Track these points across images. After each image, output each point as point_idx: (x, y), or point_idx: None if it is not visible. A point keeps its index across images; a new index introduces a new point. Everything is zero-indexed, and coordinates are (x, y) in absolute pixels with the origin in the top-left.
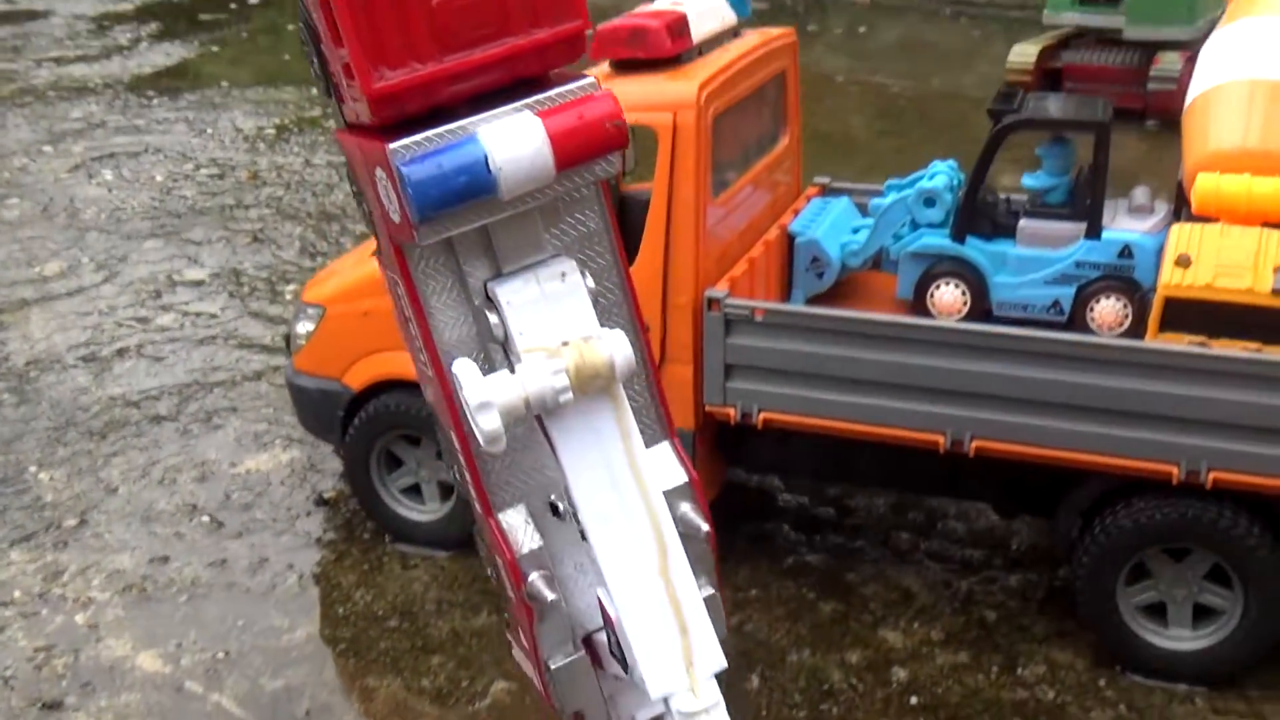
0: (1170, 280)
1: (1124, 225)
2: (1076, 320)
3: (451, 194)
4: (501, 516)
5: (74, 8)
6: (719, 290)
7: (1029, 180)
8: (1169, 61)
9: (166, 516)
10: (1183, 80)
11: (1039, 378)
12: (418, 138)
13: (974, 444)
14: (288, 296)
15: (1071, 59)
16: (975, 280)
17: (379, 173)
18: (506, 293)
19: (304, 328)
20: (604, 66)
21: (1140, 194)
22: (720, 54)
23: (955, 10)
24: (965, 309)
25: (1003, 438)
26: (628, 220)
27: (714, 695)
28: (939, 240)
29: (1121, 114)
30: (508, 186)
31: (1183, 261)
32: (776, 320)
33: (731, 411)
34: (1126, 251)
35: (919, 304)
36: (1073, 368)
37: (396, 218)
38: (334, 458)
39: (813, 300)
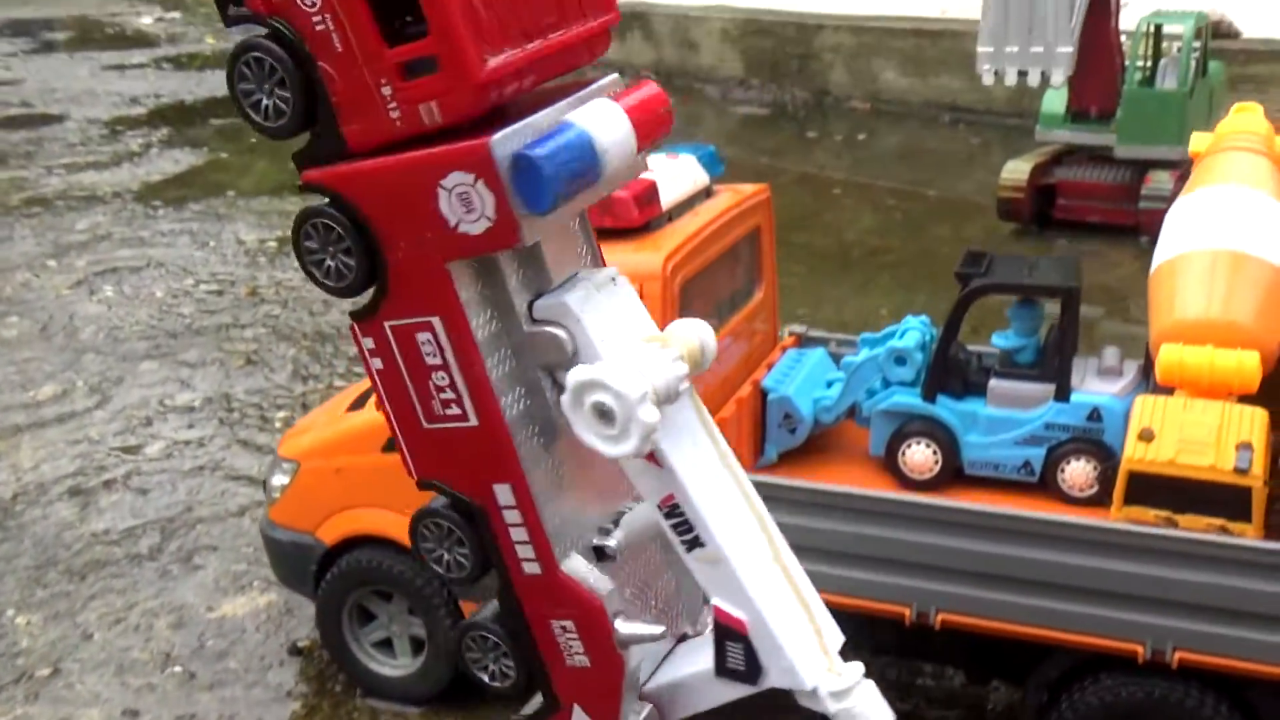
0: (1133, 455)
1: (1093, 387)
2: (1048, 481)
3: (572, 179)
4: (566, 565)
5: (88, 111)
6: None
7: (998, 340)
8: (1160, 180)
9: (140, 666)
10: (1173, 199)
11: (1002, 553)
12: (518, 126)
13: (939, 617)
14: (277, 424)
15: (1065, 175)
16: (946, 440)
17: (453, 178)
18: (574, 302)
19: (279, 481)
20: None
21: (1110, 355)
22: (690, 219)
23: (954, 117)
24: (936, 468)
25: (968, 612)
26: None
27: (855, 670)
28: (910, 399)
29: (1115, 230)
30: (608, 169)
31: (1145, 436)
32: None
33: None
34: (1095, 415)
35: (891, 462)
36: (1036, 544)
37: (485, 224)
38: (310, 603)
39: (786, 455)
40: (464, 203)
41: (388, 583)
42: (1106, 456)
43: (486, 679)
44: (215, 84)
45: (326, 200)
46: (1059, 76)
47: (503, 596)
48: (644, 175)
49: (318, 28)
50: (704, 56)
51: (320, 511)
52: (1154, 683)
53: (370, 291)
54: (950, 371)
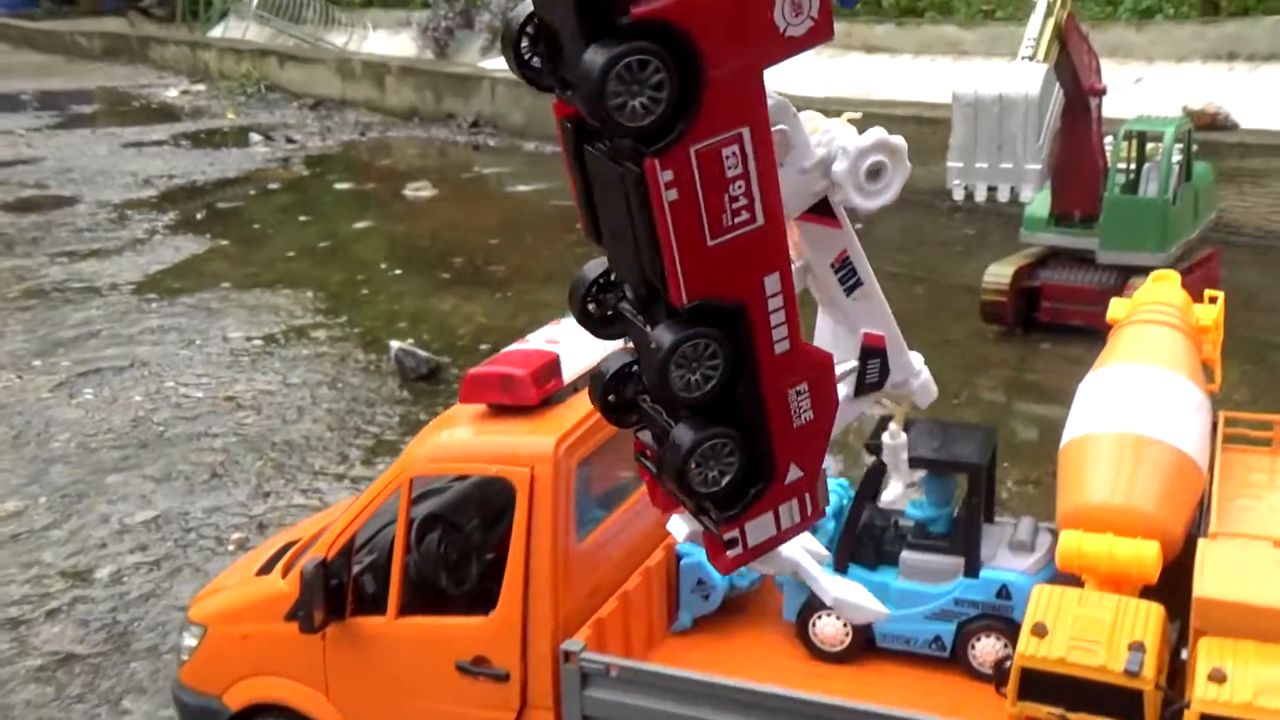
0: (1026, 650)
1: (1004, 563)
2: (959, 657)
3: None
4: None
5: (101, 193)
6: (575, 642)
7: (912, 510)
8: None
9: None
10: None
11: None
12: None
13: None
14: (230, 547)
15: (1049, 278)
16: None
17: None
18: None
19: (189, 642)
20: (481, 406)
21: (1024, 528)
22: None
23: (953, 205)
24: (847, 640)
25: None
26: None
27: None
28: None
29: (1098, 334)
30: None
31: (1039, 630)
32: (631, 677)
33: None
34: (1004, 592)
35: (802, 632)
36: None
37: (809, 24)
38: None
39: (700, 622)
40: (795, 8)
41: None
42: (1016, 634)
43: (705, 489)
44: (227, 163)
45: (643, 40)
46: (1027, 193)
47: (742, 393)
48: (549, 346)
49: None
50: None
51: (227, 676)
52: None
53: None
54: (865, 539)
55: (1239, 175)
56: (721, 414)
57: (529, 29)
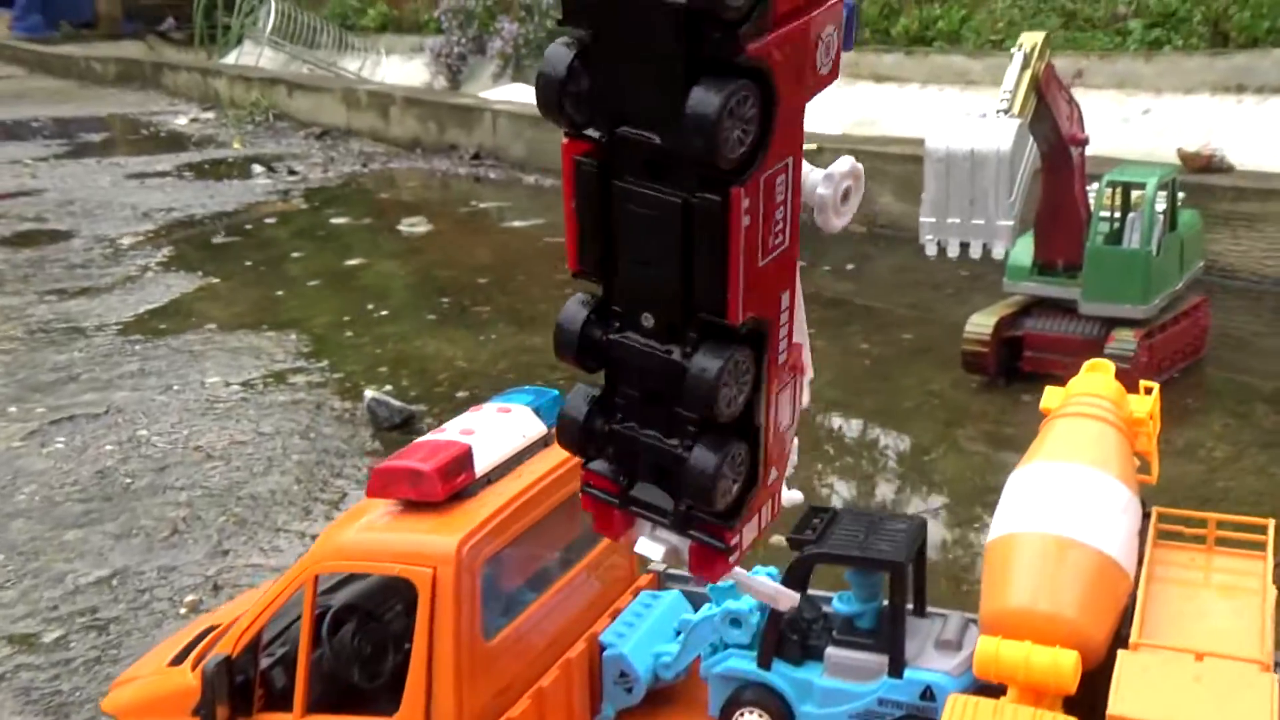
0: None
1: (929, 662)
2: None
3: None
4: None
5: (99, 227)
6: None
7: (838, 604)
8: (1123, 339)
9: None
10: (1138, 359)
11: None
12: None
13: None
14: (183, 610)
15: (1032, 327)
16: (780, 710)
17: (827, 30)
18: None
19: None
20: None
21: (952, 625)
22: (511, 481)
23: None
24: None
25: None
26: None
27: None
28: (744, 664)
29: None
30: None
31: None
32: None
33: None
34: (928, 693)
35: None
36: None
37: (829, 65)
38: None
39: (623, 715)
40: (826, 49)
41: None
42: None
43: (725, 502)
44: (227, 196)
45: (744, 78)
46: (999, 250)
47: (750, 409)
48: (463, 437)
49: None
50: None
51: None
52: None
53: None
54: (790, 634)
55: (1233, 219)
56: (730, 428)
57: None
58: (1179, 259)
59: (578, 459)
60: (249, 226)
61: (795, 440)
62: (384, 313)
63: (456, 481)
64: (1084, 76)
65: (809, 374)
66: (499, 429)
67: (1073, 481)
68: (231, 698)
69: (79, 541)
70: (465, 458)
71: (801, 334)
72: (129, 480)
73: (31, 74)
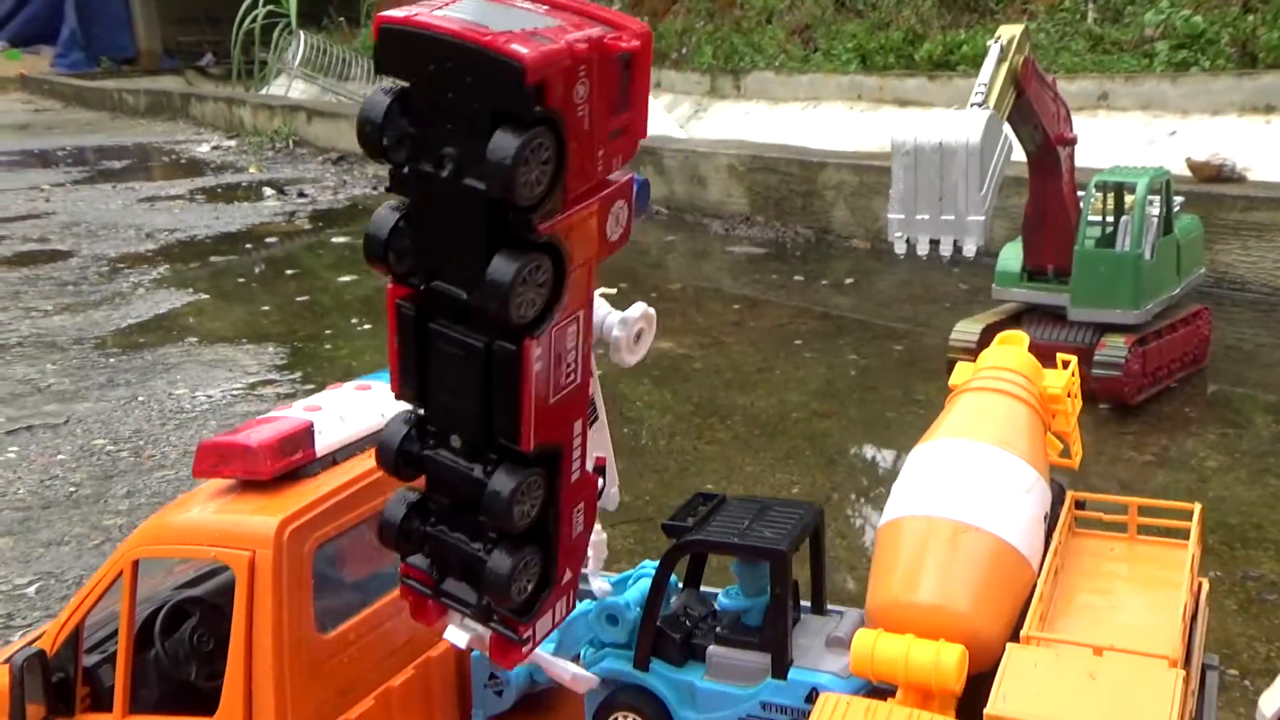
0: None
1: (818, 662)
2: None
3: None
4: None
5: (100, 248)
6: None
7: (724, 600)
8: (1114, 346)
9: None
10: (1129, 366)
11: None
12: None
13: None
14: None
15: None
16: (658, 715)
17: (618, 204)
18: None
19: None
20: (224, 481)
21: (848, 622)
22: (361, 462)
23: (954, 257)
24: None
25: None
26: None
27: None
28: (621, 665)
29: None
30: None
31: None
32: None
33: None
34: (813, 696)
35: None
36: None
37: (620, 231)
38: None
39: None
40: (616, 220)
41: None
42: None
43: (519, 600)
44: (233, 217)
45: (541, 253)
46: (970, 247)
47: (549, 516)
48: (307, 414)
49: (579, 115)
50: (711, 192)
51: None
52: None
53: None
54: (669, 633)
55: (1243, 229)
56: (524, 536)
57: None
58: (1175, 264)
59: None
60: (249, 246)
61: (604, 536)
62: (366, 326)
63: (291, 459)
64: (1109, 99)
65: (614, 484)
66: (353, 407)
67: (971, 461)
68: (48, 696)
69: (6, 549)
70: (302, 434)
71: (605, 448)
72: (73, 489)
73: (67, 107)
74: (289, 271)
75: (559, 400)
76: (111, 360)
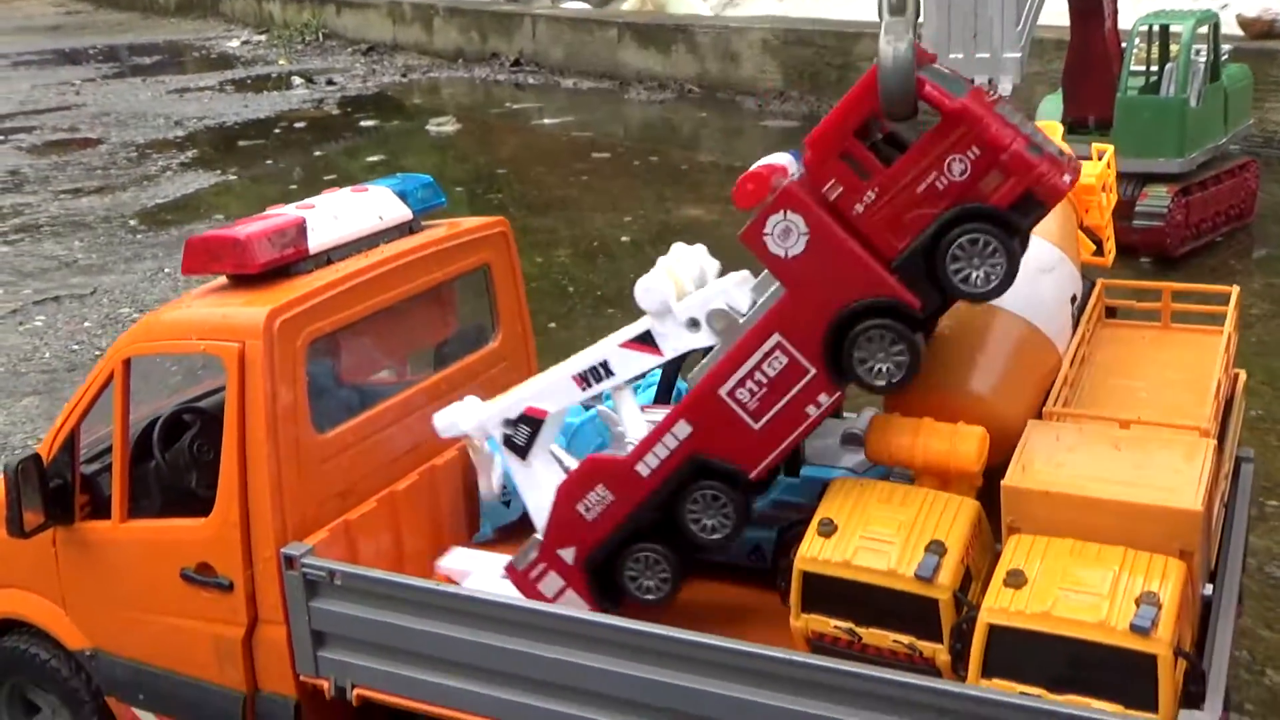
0: (808, 551)
1: (832, 460)
2: (781, 568)
3: None
4: None
5: (129, 135)
6: (299, 546)
7: None
8: (1156, 196)
9: None
10: (1172, 217)
11: (649, 678)
12: None
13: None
14: None
15: None
16: None
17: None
18: None
19: None
20: (219, 279)
21: (863, 419)
22: (354, 261)
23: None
24: None
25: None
26: None
27: None
28: None
29: (1117, 250)
30: None
31: (825, 529)
32: (355, 585)
33: (326, 684)
34: None
35: None
36: (684, 669)
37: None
38: None
39: (502, 531)
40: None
41: (33, 674)
42: None
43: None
44: (262, 105)
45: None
46: (1006, 85)
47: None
48: (301, 211)
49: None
50: (745, 68)
51: None
52: None
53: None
54: None
55: None
56: None
57: None
58: (1222, 113)
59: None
60: (277, 131)
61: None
62: None
63: (283, 255)
64: None
65: None
66: (349, 208)
67: None
68: (46, 503)
69: (32, 407)
70: (295, 230)
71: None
72: (97, 354)
73: (98, 9)
74: (317, 152)
75: None
76: (139, 237)
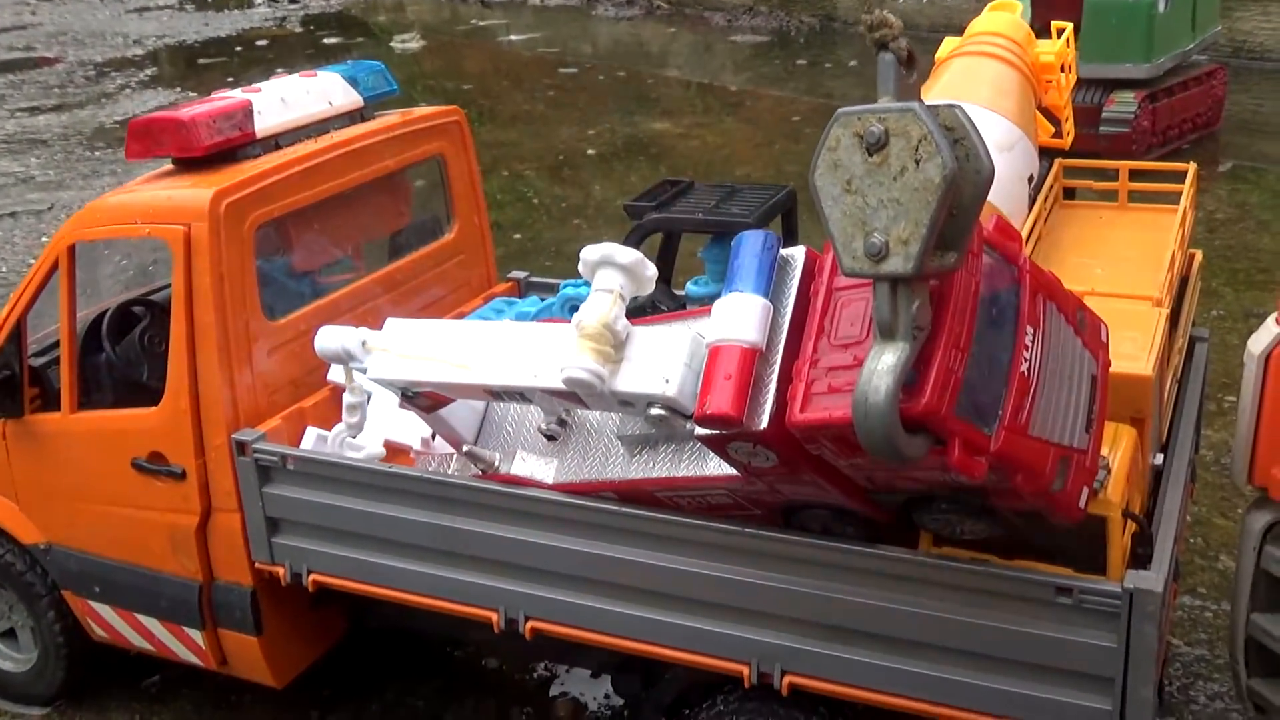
0: None
1: None
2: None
3: None
4: None
5: (86, 53)
6: (250, 432)
7: (692, 288)
8: (1123, 101)
9: None
10: (1138, 123)
11: (594, 553)
12: None
13: (529, 625)
14: None
15: None
16: None
17: None
18: None
19: None
20: (166, 164)
21: None
22: (302, 146)
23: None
24: None
25: (559, 620)
26: None
27: None
28: None
29: (1079, 156)
30: None
31: None
32: (307, 469)
33: (281, 570)
34: None
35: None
36: (627, 541)
37: None
38: None
39: None
40: None
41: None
42: None
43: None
44: (223, 23)
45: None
46: None
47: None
48: (248, 94)
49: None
50: None
51: None
52: (768, 707)
53: None
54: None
55: None
56: None
57: None
58: (1191, 18)
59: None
60: (239, 49)
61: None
62: None
63: (229, 138)
64: None
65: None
66: (297, 92)
67: None
68: None
69: None
70: (241, 112)
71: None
72: None
73: None
74: (279, 69)
75: None
76: (96, 154)
